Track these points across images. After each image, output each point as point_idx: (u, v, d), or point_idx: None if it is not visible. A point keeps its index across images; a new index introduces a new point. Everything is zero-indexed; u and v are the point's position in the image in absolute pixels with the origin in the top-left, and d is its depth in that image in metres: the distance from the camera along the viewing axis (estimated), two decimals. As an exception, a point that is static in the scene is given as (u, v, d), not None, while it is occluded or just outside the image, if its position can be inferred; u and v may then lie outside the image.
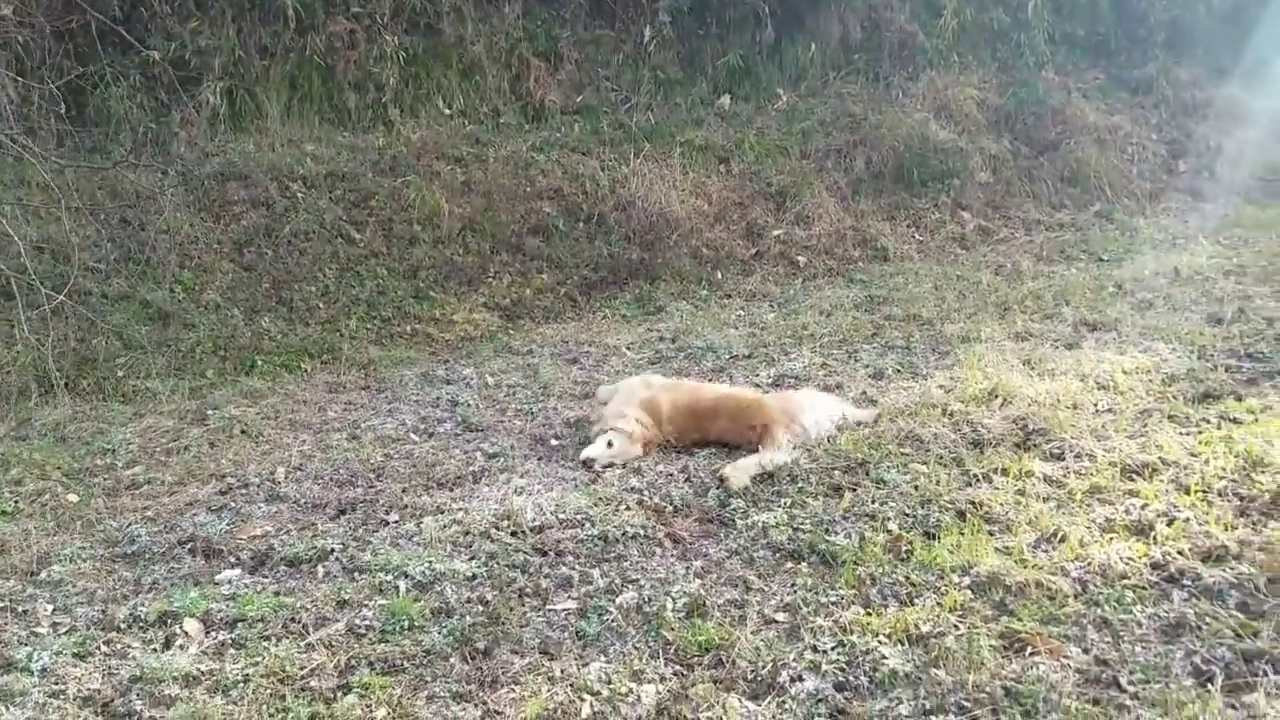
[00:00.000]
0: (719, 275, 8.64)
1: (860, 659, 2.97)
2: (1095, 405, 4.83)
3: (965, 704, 2.71)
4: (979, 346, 5.97)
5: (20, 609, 3.55)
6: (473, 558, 3.80)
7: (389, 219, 8.54)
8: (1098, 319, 6.46)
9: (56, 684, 3.02)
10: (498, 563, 3.74)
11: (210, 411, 5.85)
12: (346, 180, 8.74)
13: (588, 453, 4.73)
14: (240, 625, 3.38)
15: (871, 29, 11.28)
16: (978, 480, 4.16)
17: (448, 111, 9.79)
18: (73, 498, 4.59)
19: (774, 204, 9.55)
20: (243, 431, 5.54)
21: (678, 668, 3.05)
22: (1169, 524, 3.60)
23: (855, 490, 4.19)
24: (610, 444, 4.74)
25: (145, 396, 6.21)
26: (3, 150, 6.96)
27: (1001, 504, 3.91)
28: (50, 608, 3.55)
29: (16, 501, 4.52)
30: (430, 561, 3.74)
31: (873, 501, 4.07)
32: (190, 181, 8.27)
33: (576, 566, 3.71)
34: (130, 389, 6.31)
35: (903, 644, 3.04)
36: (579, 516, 4.09)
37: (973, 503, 3.94)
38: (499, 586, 3.58)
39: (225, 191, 8.33)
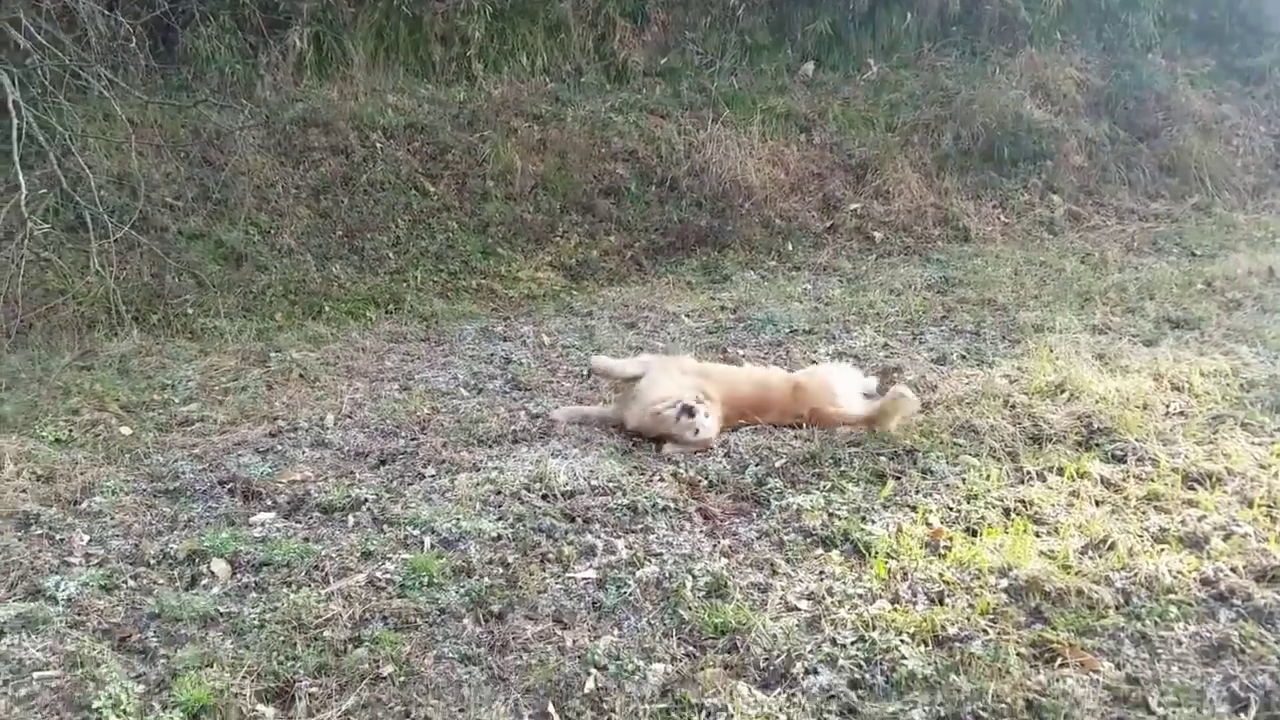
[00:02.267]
0: (789, 247, 8.45)
1: (879, 657, 2.86)
2: (1166, 407, 4.57)
3: (982, 713, 2.58)
4: (1052, 337, 5.71)
5: (57, 537, 3.65)
6: (500, 518, 3.77)
7: (464, 173, 8.55)
8: (1182, 316, 6.13)
9: (79, 615, 3.09)
10: (524, 525, 3.71)
11: (273, 354, 5.96)
12: (425, 132, 8.77)
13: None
14: (266, 569, 3.42)
15: (971, 2, 10.83)
16: (1030, 478, 3.97)
17: (530, 68, 9.73)
18: (125, 430, 4.71)
19: (854, 176, 9.30)
20: (300, 375, 5.63)
21: (690, 648, 2.98)
22: (1226, 538, 3.38)
23: (899, 479, 4.04)
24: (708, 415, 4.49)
25: (212, 335, 6.35)
26: (88, 85, 7.13)
27: (1052, 505, 3.73)
28: (86, 538, 3.65)
29: (71, 430, 4.65)
30: (458, 519, 3.73)
31: (916, 492, 3.92)
32: (271, 125, 8.39)
33: (602, 535, 3.66)
34: (198, 327, 6.45)
35: (926, 645, 2.91)
36: (611, 484, 4.04)
37: (1022, 501, 3.76)
38: (522, 550, 3.55)
39: (306, 137, 8.44)
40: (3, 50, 6.63)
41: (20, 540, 3.60)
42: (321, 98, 8.75)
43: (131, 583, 3.32)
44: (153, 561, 3.45)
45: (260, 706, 2.68)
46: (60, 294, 6.29)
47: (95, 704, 2.65)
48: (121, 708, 2.65)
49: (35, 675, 2.79)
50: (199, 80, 8.38)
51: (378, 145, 8.51)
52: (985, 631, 2.96)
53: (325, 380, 5.57)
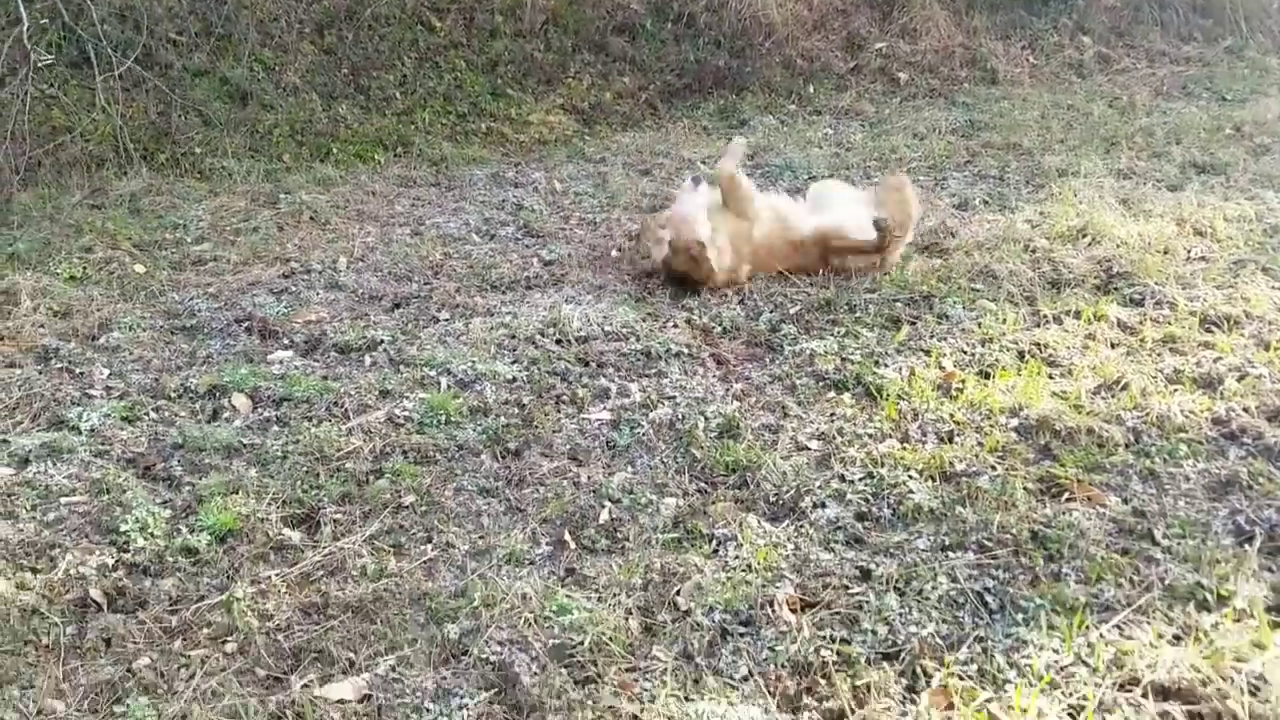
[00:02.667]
0: (810, 89, 8.18)
1: (886, 492, 2.92)
2: (1188, 252, 4.50)
3: (986, 543, 2.65)
4: (1076, 181, 5.58)
5: (77, 370, 3.70)
6: (515, 361, 3.80)
7: (470, 7, 8.21)
8: (1208, 161, 5.96)
9: (103, 444, 3.16)
10: (539, 368, 3.74)
11: (282, 195, 5.89)
12: (430, -35, 8.39)
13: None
14: (286, 404, 3.47)
15: None
16: (1047, 322, 3.95)
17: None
18: (139, 268, 4.71)
19: (879, 14, 8.90)
20: (311, 218, 5.58)
21: (702, 485, 3.04)
22: (1240, 379, 3.38)
23: (914, 324, 4.03)
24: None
25: (220, 175, 6.27)
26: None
27: (1067, 348, 3.72)
28: (106, 372, 3.70)
29: (85, 268, 4.65)
30: (474, 361, 3.76)
31: (931, 336, 3.91)
32: (272, -43, 8.03)
33: (616, 379, 3.69)
34: (206, 166, 6.36)
35: (934, 480, 2.97)
36: (625, 330, 4.04)
37: (1037, 344, 3.76)
38: (537, 392, 3.59)
39: (308, -30, 8.08)
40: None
41: (41, 373, 3.66)
42: (323, -73, 8.33)
43: (153, 415, 3.39)
44: (173, 395, 3.51)
45: (287, 530, 2.77)
46: (67, 131, 6.18)
47: (123, 527, 2.74)
48: (149, 530, 2.74)
49: (63, 501, 2.88)
50: (197, -92, 7.98)
51: (382, -23, 8.15)
52: (993, 468, 3.00)
53: (336, 223, 5.52)
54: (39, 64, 6.03)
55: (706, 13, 8.46)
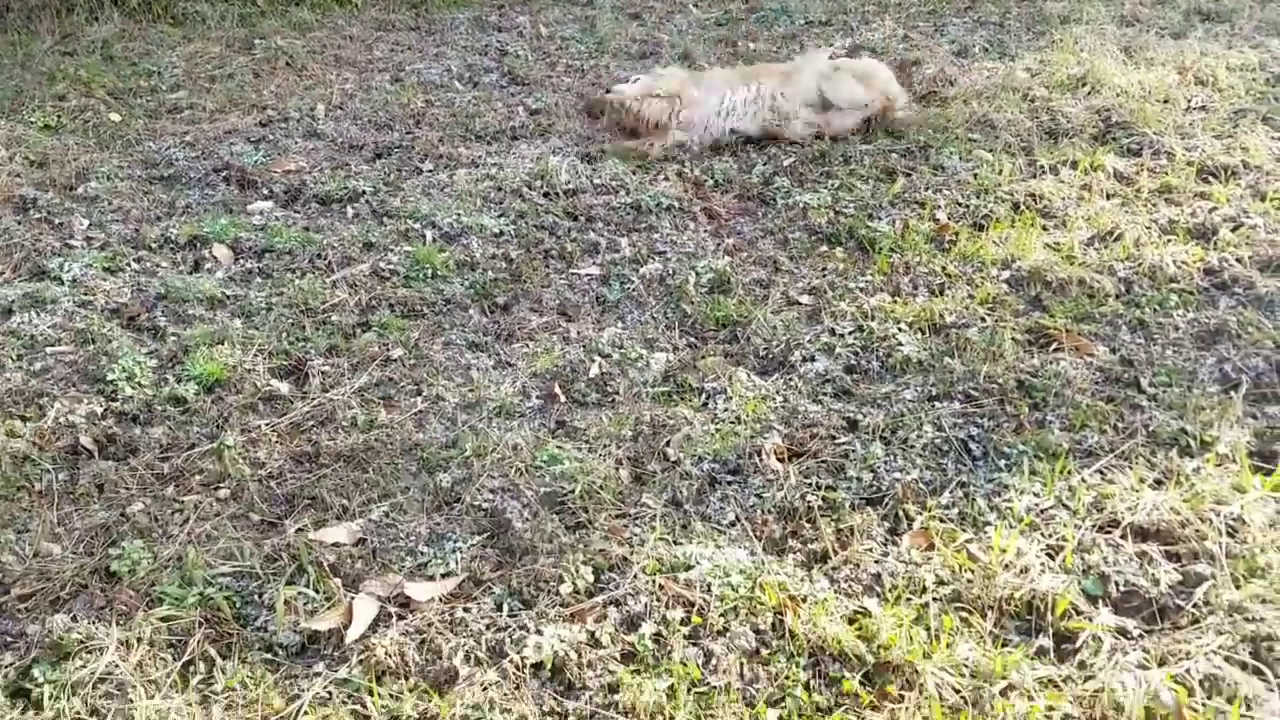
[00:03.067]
0: (809, -70, 7.78)
1: (876, 345, 2.91)
2: (1188, 101, 4.38)
3: (973, 392, 2.66)
4: (1078, 29, 5.39)
5: (56, 221, 3.62)
6: (502, 214, 3.73)
7: None
8: (1213, 8, 5.74)
9: (86, 295, 3.12)
10: (526, 222, 3.67)
11: (257, 40, 5.66)
12: None
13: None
14: (268, 256, 3.41)
15: None
16: (1043, 172, 3.88)
17: None
18: (115, 117, 4.55)
19: None
20: (287, 64, 5.38)
21: (692, 340, 3.03)
22: (1234, 229, 3.35)
23: (910, 175, 3.95)
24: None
25: (194, 20, 6.01)
26: None
27: (1062, 198, 3.66)
28: (85, 222, 3.62)
29: (59, 116, 4.50)
30: (459, 214, 3.69)
31: (926, 188, 3.84)
32: None
33: (605, 233, 3.63)
34: (180, 11, 6.09)
35: (923, 333, 2.96)
36: (614, 183, 3.95)
37: (1032, 195, 3.70)
38: (525, 246, 3.53)
39: None
40: None
41: (20, 224, 3.58)
42: None
43: (135, 265, 3.33)
44: (154, 245, 3.45)
45: (275, 381, 2.76)
46: (32, -26, 5.88)
47: (110, 376, 2.73)
48: (136, 380, 2.73)
49: (49, 350, 2.86)
50: None
51: None
52: (983, 319, 3.00)
53: (313, 69, 5.32)
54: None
55: None
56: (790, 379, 2.80)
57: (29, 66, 5.06)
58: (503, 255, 3.48)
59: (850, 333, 2.98)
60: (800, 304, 3.18)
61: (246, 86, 5.00)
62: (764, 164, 4.15)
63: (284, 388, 2.75)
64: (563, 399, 2.76)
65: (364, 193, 3.89)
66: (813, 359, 2.88)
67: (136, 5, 6.02)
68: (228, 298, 3.15)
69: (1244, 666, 1.76)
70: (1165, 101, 4.35)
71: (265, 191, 3.91)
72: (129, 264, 3.33)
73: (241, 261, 3.39)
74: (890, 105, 4.40)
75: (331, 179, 3.99)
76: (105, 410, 2.63)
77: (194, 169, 4.07)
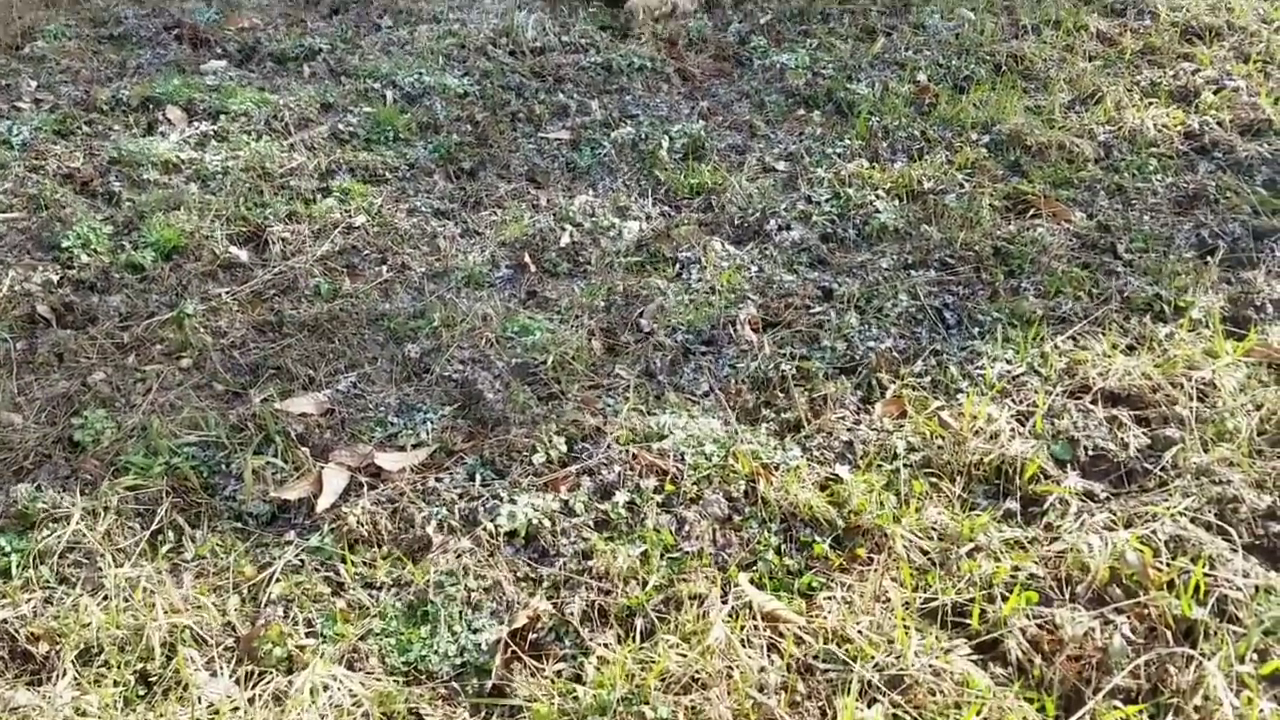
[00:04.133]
0: None
1: (853, 212, 2.86)
2: (1178, -41, 4.25)
3: (949, 260, 2.63)
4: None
5: (3, 82, 3.43)
6: (466, 74, 3.58)
7: None
8: None
9: (37, 159, 2.97)
10: (491, 82, 3.53)
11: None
12: None
13: None
14: (223, 118, 3.26)
15: None
16: (1026, 32, 3.76)
17: None
18: (54, -29, 4.28)
19: None
20: (237, -85, 5.05)
21: (665, 208, 2.96)
22: (1216, 92, 3.28)
23: (890, 35, 3.82)
24: None
25: None
26: None
27: (1044, 60, 3.57)
28: (33, 84, 3.43)
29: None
30: (420, 74, 3.53)
31: (906, 49, 3.72)
32: None
33: (575, 95, 3.50)
34: None
35: (901, 199, 2.90)
36: (584, 41, 3.80)
37: (1014, 56, 3.60)
38: (491, 108, 3.40)
39: None
40: None
41: (-41, 85, 3.40)
42: None
43: (86, 129, 3.18)
44: (105, 108, 3.28)
45: (233, 249, 2.67)
46: None
47: (65, 244, 2.62)
48: (92, 247, 2.63)
49: (0, 217, 2.75)
50: None
51: None
52: (961, 185, 2.94)
53: (265, -80, 5.00)
54: None
55: None
56: (765, 248, 2.75)
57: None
58: (468, 118, 3.35)
59: (827, 200, 2.92)
60: (776, 170, 3.10)
61: (194, -62, 4.70)
62: (740, 21, 4.00)
63: (243, 255, 2.66)
64: (533, 268, 2.70)
65: (320, 50, 3.72)
66: (788, 227, 2.82)
67: None
68: (183, 161, 3.02)
69: (1209, 527, 1.79)
70: (1154, -42, 4.20)
71: (219, 50, 3.73)
72: (80, 126, 3.17)
73: (196, 124, 3.24)
74: None
75: (287, 36, 3.80)
76: (61, 278, 2.54)
77: (144, 27, 3.86)
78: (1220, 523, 1.80)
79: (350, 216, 2.85)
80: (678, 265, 2.69)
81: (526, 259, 2.72)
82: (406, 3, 4.11)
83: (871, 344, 2.33)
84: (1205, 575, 1.68)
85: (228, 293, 2.52)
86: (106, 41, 3.83)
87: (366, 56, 3.67)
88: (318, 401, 2.19)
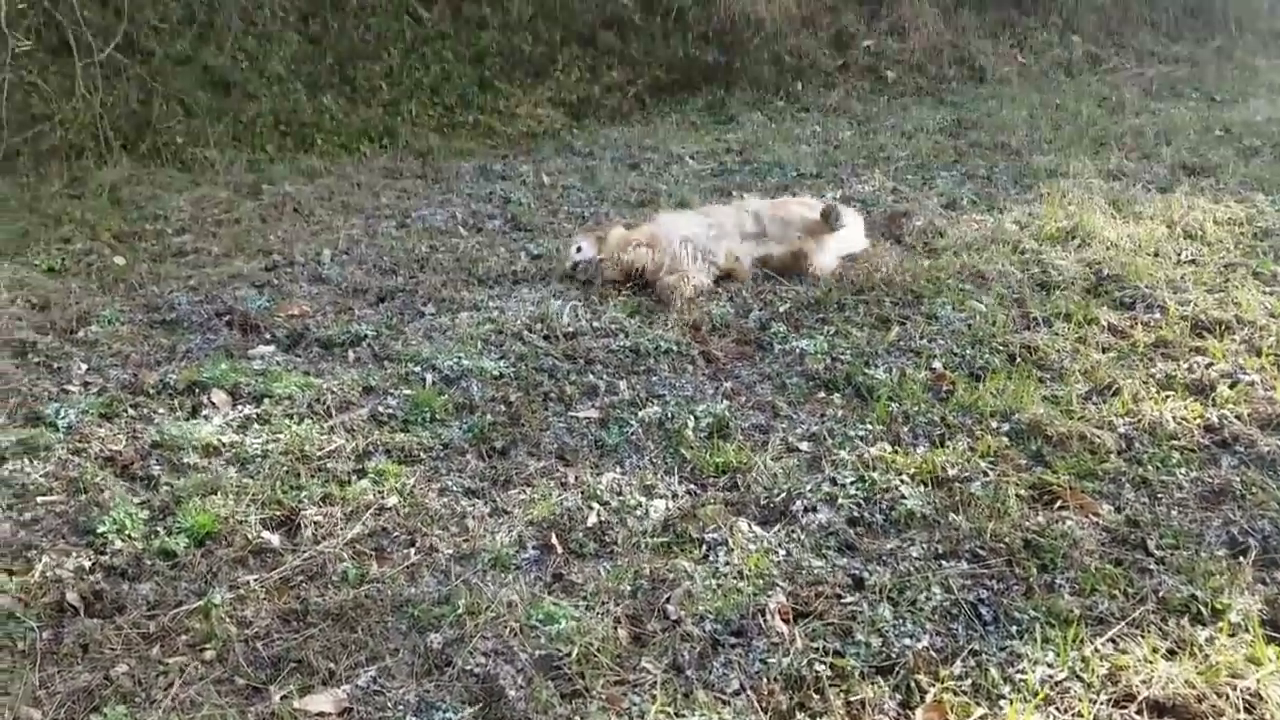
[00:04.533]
0: (799, 86, 8.17)
1: (879, 496, 2.88)
2: (1178, 255, 4.49)
3: (980, 551, 2.61)
4: (1065, 182, 5.57)
5: (55, 365, 3.63)
6: (502, 357, 3.74)
7: (458, -1, 8.14)
8: (1198, 163, 5.97)
9: (80, 442, 3.08)
10: (526, 364, 3.68)
11: (265, 186, 5.82)
12: (418, -48, 8.29)
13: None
14: (266, 401, 3.40)
15: None
16: (1037, 324, 3.93)
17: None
18: (119, 260, 4.63)
19: (868, 11, 8.90)
20: (295, 209, 5.51)
21: (691, 486, 3.00)
22: (1232, 386, 3.37)
23: (904, 324, 4.00)
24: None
25: (202, 165, 6.19)
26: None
27: (1058, 351, 3.70)
28: (84, 367, 3.62)
29: (64, 259, 4.57)
30: (460, 357, 3.70)
31: (921, 337, 3.88)
32: (257, -58, 7.91)
33: (604, 376, 3.64)
34: (188, 156, 6.28)
35: (926, 486, 2.93)
36: (614, 326, 3.99)
37: (1027, 347, 3.73)
38: (524, 388, 3.53)
39: (292, -44, 7.98)
40: None
41: (18, 367, 3.59)
42: (307, -88, 8.22)
43: (131, 411, 3.31)
44: (152, 391, 3.43)
45: (266, 533, 2.70)
46: (46, 119, 6.09)
47: (100, 529, 2.67)
48: (126, 532, 2.67)
49: (39, 500, 2.81)
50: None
51: (368, -35, 8.06)
52: (985, 473, 2.97)
53: (320, 215, 5.45)
54: (17, 50, 5.92)
55: (695, 7, 8.43)
56: (793, 530, 2.75)
57: (36, 209, 5.17)
58: (502, 398, 3.47)
59: (852, 483, 2.95)
60: (800, 450, 3.16)
61: (253, 231, 5.10)
62: (760, 308, 4.21)
63: (275, 539, 2.69)
64: (560, 550, 2.70)
65: (365, 336, 3.91)
66: (815, 509, 2.83)
67: (145, 150, 6.22)
68: (223, 445, 3.12)
69: None
70: (1155, 255, 4.46)
71: (268, 336, 3.94)
72: (126, 409, 3.31)
73: (240, 407, 3.37)
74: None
75: (334, 323, 4.02)
76: (94, 564, 2.56)
77: (196, 313, 4.11)
78: None
79: (383, 498, 2.90)
80: (704, 546, 2.69)
81: (554, 539, 2.73)
82: (449, 291, 4.37)
83: (908, 641, 2.27)
84: None
85: (256, 580, 2.52)
86: (159, 326, 4.05)
87: (409, 342, 3.86)
88: (336, 699, 2.13)
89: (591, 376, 3.63)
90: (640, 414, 3.36)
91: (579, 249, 4.55)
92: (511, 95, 7.72)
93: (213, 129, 6.46)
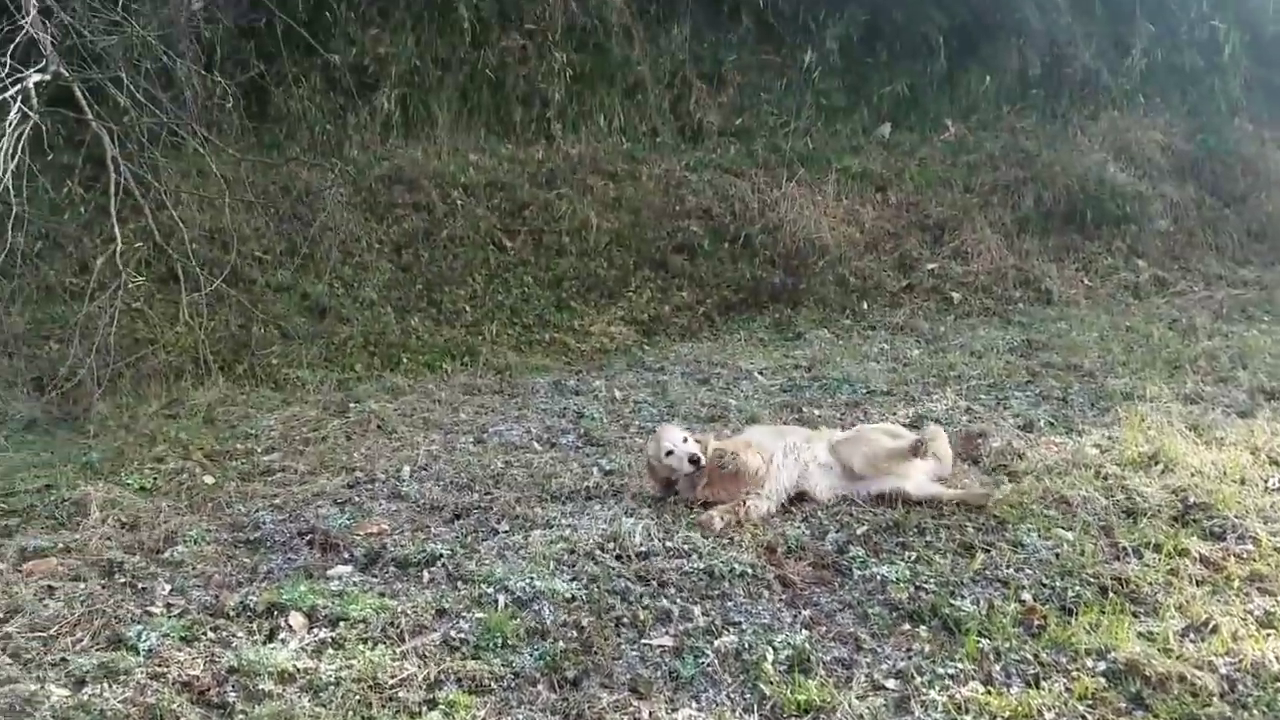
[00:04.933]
0: (864, 306, 8.37)
1: (976, 745, 2.73)
2: (1265, 482, 4.36)
3: (1087, 808, 2.44)
4: (1142, 406, 5.51)
5: (140, 586, 3.70)
6: (574, 578, 3.72)
7: (540, 229, 8.68)
8: (1277, 387, 5.87)
9: (160, 666, 3.10)
10: (598, 586, 3.65)
11: (352, 404, 6.05)
12: (504, 190, 8.93)
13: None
14: (342, 624, 3.40)
15: (1052, 64, 10.75)
16: (1126, 554, 3.80)
17: (607, 128, 9.87)
18: (209, 479, 4.79)
19: (931, 236, 9.20)
20: (379, 426, 5.70)
21: (772, 726, 2.88)
22: (1335, 623, 3.19)
23: (989, 552, 3.90)
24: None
25: (294, 385, 6.48)
26: (184, 142, 7.41)
27: (1150, 584, 3.56)
28: (168, 588, 3.69)
29: (156, 479, 4.75)
30: (532, 578, 3.69)
31: (1007, 566, 3.77)
32: (358, 182, 8.61)
33: (678, 600, 3.58)
34: (282, 377, 6.60)
35: (1023, 731, 2.77)
36: (686, 547, 3.96)
37: (1118, 579, 3.60)
38: (597, 612, 3.49)
39: (390, 194, 8.65)
40: (104, 108, 6.93)
41: (104, 588, 3.67)
42: (406, 156, 8.97)
43: (211, 634, 3.34)
44: (232, 613, 3.47)
45: (336, 768, 2.65)
46: (150, 344, 6.50)
47: (175, 760, 2.64)
48: (200, 764, 2.64)
49: (115, 727, 2.81)
50: (290, 139, 8.67)
51: (458, 202, 8.69)
52: (1084, 718, 2.81)
53: (402, 431, 5.62)
54: (130, 282, 6.40)
55: (762, 234, 8.83)
56: (882, 780, 2.60)
57: (133, 429, 5.44)
58: (574, 622, 3.42)
59: (943, 728, 2.81)
60: (886, 689, 3.03)
61: (338, 449, 5.27)
62: (836, 530, 4.15)
63: (345, 773, 2.63)
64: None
65: (440, 556, 3.94)
66: (906, 757, 2.69)
67: (241, 372, 6.56)
68: (299, 671, 3.10)
69: None
70: (1242, 482, 4.34)
71: (346, 555, 3.99)
72: (206, 632, 3.34)
73: (316, 630, 3.38)
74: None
75: (411, 541, 4.07)
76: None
77: (279, 532, 4.20)
78: None
79: (451, 733, 2.83)
80: (787, 797, 2.55)
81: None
82: (522, 509, 4.41)
83: None
84: None
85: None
86: (242, 546, 4.13)
87: (483, 561, 3.87)
88: None
89: (665, 600, 3.58)
90: (716, 643, 3.28)
91: (685, 439, 4.35)
92: (586, 315, 8.04)
93: (306, 350, 6.82)
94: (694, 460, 4.28)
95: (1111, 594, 3.51)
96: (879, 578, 3.71)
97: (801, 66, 10.41)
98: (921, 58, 10.53)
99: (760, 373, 6.77)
